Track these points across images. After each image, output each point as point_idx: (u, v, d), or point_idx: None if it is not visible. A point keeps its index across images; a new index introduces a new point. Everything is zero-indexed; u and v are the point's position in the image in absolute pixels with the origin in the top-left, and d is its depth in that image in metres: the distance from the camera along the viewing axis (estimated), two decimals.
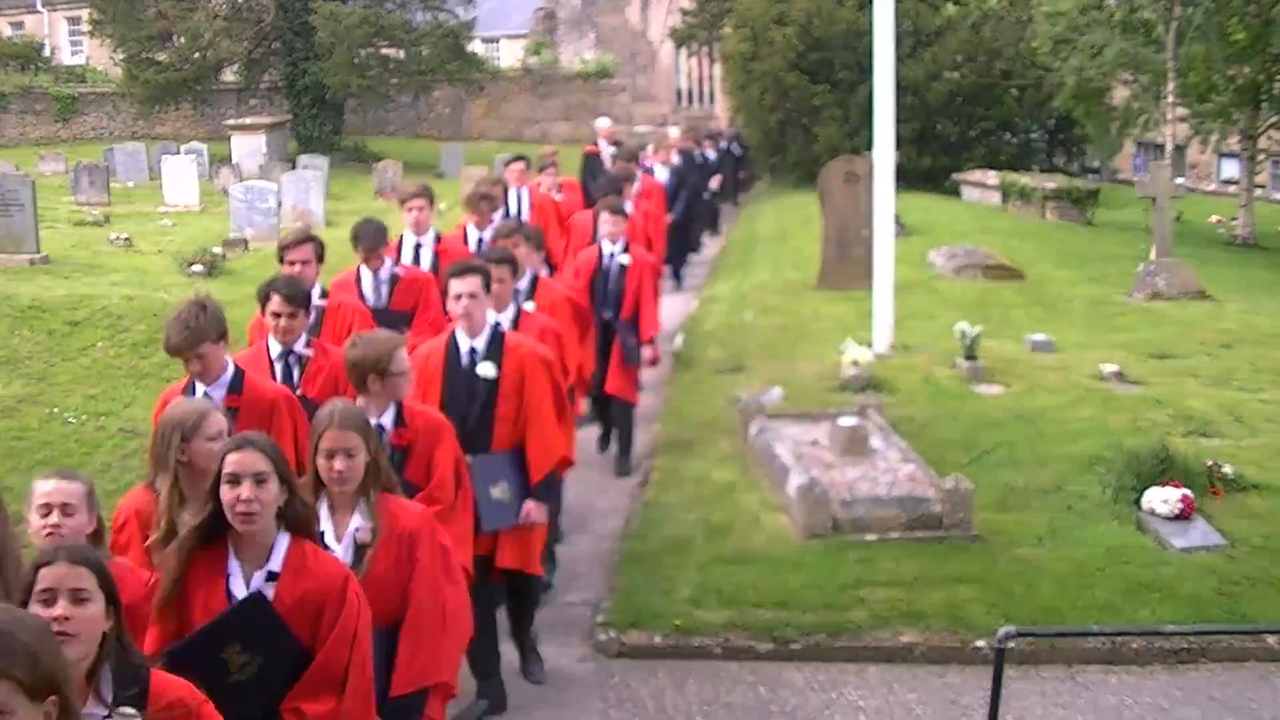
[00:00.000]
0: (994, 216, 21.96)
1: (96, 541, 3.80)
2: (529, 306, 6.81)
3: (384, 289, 7.12)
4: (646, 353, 8.93)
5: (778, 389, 10.07)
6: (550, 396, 5.69)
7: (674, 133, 20.54)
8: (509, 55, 41.24)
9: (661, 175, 15.53)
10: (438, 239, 8.18)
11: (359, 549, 4.01)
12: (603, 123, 16.60)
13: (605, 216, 8.80)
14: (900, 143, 16.68)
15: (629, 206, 10.29)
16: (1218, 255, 18.91)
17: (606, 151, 15.39)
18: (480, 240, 8.60)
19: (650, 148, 17.36)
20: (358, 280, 7.14)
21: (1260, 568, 6.95)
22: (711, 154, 22.67)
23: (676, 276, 16.27)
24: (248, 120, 31.29)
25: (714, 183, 21.42)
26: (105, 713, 2.92)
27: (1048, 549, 7.22)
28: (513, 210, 10.31)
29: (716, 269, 17.92)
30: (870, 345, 11.24)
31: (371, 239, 7.06)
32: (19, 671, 2.29)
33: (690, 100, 41.19)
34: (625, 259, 8.75)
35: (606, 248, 8.78)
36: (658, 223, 12.58)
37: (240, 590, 3.52)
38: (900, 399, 10.00)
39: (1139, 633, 6.26)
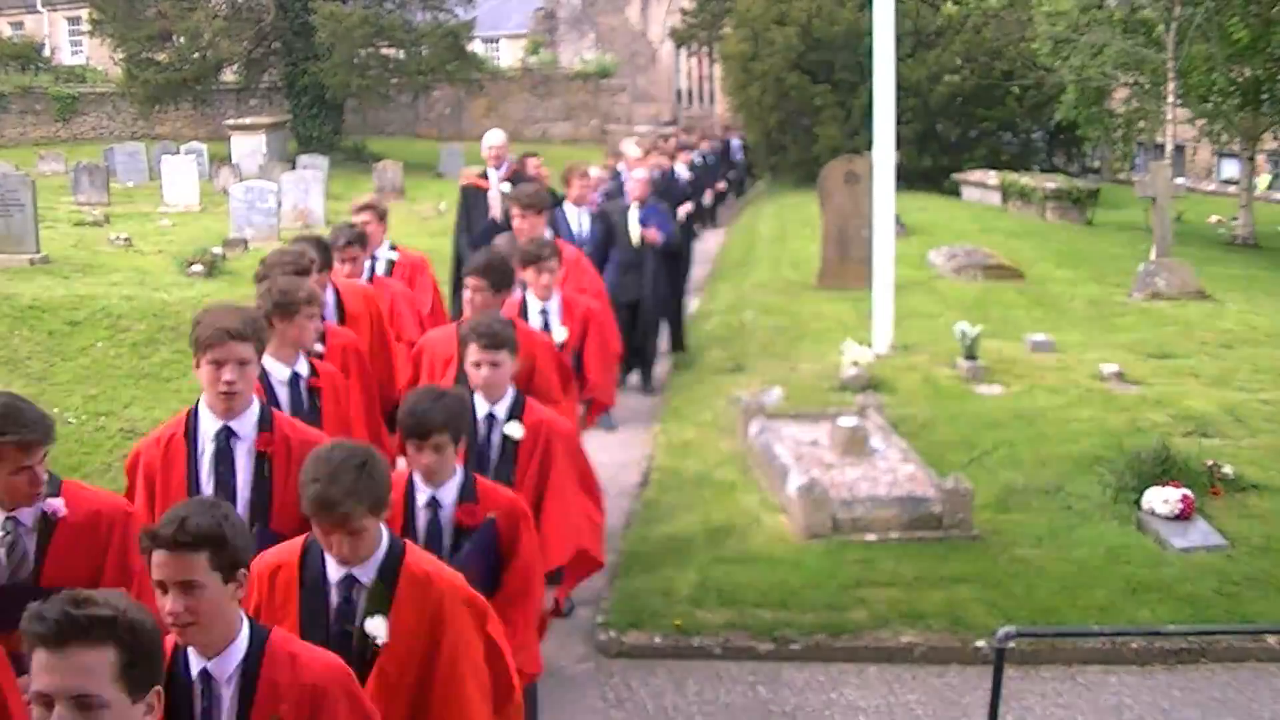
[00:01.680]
0: (994, 216, 21.96)
1: None
2: None
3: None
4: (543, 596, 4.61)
5: (777, 389, 10.07)
6: None
7: (632, 150, 14.93)
8: (509, 55, 41.28)
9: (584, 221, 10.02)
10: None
11: None
12: (492, 137, 10.95)
13: (473, 350, 4.80)
14: (901, 143, 16.67)
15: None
16: (1218, 255, 18.89)
17: (496, 189, 10.58)
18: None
19: (592, 172, 11.26)
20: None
21: (1260, 568, 6.95)
22: (684, 171, 17.79)
23: (645, 377, 11.18)
24: (248, 120, 31.28)
25: (681, 212, 14.55)
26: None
27: (1048, 549, 7.22)
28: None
29: (716, 269, 17.90)
30: (870, 345, 11.24)
31: None
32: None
33: (690, 100, 41.23)
34: (516, 430, 4.82)
35: (481, 406, 4.83)
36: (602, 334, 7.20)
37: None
38: (900, 399, 9.99)
39: (1139, 633, 6.25)
